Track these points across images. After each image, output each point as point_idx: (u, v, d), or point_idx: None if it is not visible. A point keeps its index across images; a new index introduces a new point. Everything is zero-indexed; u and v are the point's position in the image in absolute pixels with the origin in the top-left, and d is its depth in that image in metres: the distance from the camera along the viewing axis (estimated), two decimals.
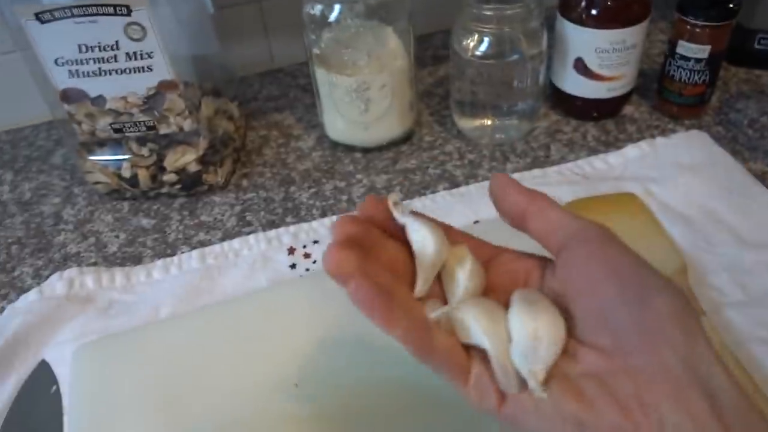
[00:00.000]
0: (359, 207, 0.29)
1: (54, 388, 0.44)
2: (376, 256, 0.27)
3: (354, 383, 0.40)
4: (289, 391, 0.40)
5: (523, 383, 0.26)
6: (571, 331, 0.27)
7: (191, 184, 0.57)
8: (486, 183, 0.55)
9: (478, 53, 0.56)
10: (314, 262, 0.50)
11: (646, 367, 0.24)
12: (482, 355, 0.27)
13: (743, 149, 0.58)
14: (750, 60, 0.68)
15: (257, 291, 0.48)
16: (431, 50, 0.75)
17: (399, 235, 0.29)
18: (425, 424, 0.38)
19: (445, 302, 0.29)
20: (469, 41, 0.56)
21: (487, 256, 0.31)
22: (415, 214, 0.29)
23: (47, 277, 0.50)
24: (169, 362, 0.43)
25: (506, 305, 0.28)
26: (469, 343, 0.27)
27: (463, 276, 0.28)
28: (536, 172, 0.56)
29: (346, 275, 0.26)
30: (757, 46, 0.67)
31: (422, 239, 0.29)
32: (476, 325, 0.27)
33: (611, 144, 0.60)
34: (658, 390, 0.24)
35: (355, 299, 0.26)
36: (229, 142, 0.59)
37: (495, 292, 0.30)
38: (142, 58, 0.49)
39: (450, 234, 0.31)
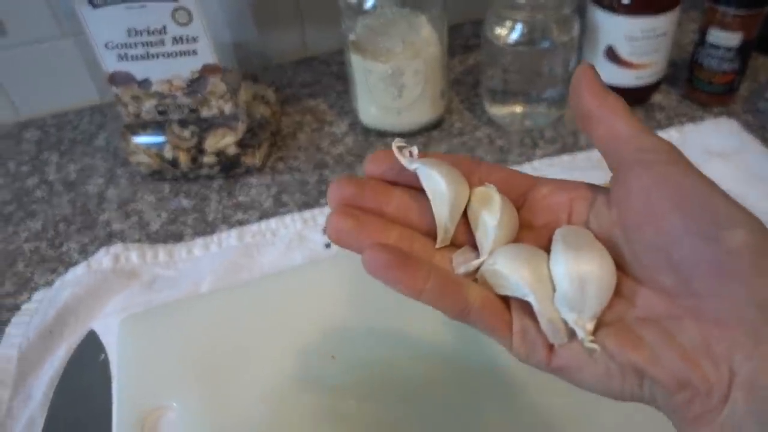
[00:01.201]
0: (365, 167, 0.27)
1: (102, 356, 0.46)
2: (380, 213, 0.25)
3: (388, 354, 0.42)
4: (327, 361, 0.42)
5: (572, 333, 0.24)
6: (627, 269, 0.24)
7: (230, 166, 0.59)
8: (516, 168, 0.56)
9: (510, 41, 0.57)
10: None
11: (715, 312, 0.22)
12: (523, 304, 0.25)
13: None
14: None
15: (294, 268, 0.50)
16: (461, 40, 0.77)
17: (416, 185, 0.26)
18: (459, 394, 0.39)
19: (476, 248, 0.26)
20: (501, 29, 0.57)
21: (522, 189, 0.28)
22: (426, 157, 0.26)
23: (93, 252, 0.52)
24: (211, 334, 0.45)
25: (547, 246, 0.25)
26: (507, 294, 0.25)
27: (492, 222, 0.25)
28: (565, 157, 0.57)
29: (353, 241, 0.24)
30: None
31: (435, 184, 0.25)
32: (515, 276, 0.24)
33: None
34: (729, 338, 0.21)
35: (368, 269, 0.23)
36: (266, 126, 0.61)
37: (533, 231, 0.27)
38: (187, 42, 0.51)
39: (475, 172, 0.27)
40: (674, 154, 0.24)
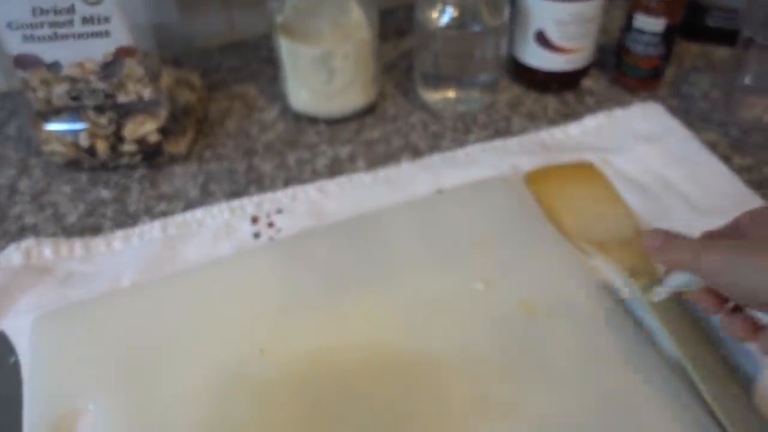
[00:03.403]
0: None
1: (12, 359, 0.43)
2: None
3: (319, 348, 0.41)
4: (255, 357, 0.40)
5: None
6: None
7: (152, 155, 0.56)
8: (449, 153, 0.56)
9: (441, 24, 0.56)
10: (279, 231, 0.50)
11: None
12: None
13: (696, 120, 0.59)
14: (703, 35, 0.70)
15: (221, 259, 0.48)
16: (395, 24, 0.75)
17: None
18: (388, 387, 0.39)
19: None
20: (432, 12, 0.56)
21: None
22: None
23: (4, 248, 0.49)
24: (131, 332, 0.42)
25: None
26: None
27: None
28: (497, 142, 0.57)
29: None
30: (709, 23, 0.69)
31: None
32: None
33: (570, 116, 0.61)
34: None
35: None
36: (190, 112, 0.59)
37: None
38: (98, 23, 0.48)
39: None
40: None
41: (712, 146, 0.56)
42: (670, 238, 0.36)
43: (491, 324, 0.41)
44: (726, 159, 0.54)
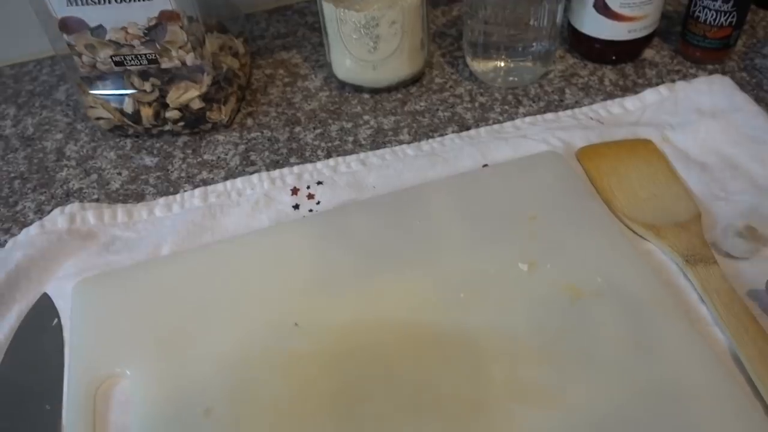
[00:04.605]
0: None
1: (55, 321, 0.44)
2: None
3: (353, 324, 0.40)
4: (289, 329, 0.40)
5: None
6: None
7: (194, 122, 0.56)
8: (497, 126, 0.54)
9: None
10: (318, 203, 0.49)
11: None
12: None
13: (767, 96, 0.55)
14: None
15: (259, 230, 0.47)
16: None
17: None
18: (423, 366, 0.37)
19: None
20: None
21: None
22: None
23: (49, 212, 0.50)
24: (169, 299, 0.42)
25: None
26: None
27: None
28: (549, 116, 0.54)
29: None
30: None
31: None
32: None
33: (629, 89, 0.57)
34: None
35: None
36: (233, 79, 0.58)
37: None
38: None
39: None
40: None
41: None
42: None
43: (533, 306, 0.40)
44: None
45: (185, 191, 0.51)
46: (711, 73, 0.58)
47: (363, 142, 0.54)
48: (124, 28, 0.50)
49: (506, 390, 0.36)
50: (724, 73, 0.57)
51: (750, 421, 0.33)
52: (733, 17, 0.56)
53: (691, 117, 0.52)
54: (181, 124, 0.56)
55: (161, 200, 0.50)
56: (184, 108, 0.55)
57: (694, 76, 0.58)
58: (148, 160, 0.55)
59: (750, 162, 0.48)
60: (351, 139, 0.55)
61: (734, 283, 0.40)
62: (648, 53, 0.61)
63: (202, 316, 0.41)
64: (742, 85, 0.55)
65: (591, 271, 0.41)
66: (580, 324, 0.38)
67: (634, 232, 0.44)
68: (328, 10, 0.55)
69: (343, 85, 0.60)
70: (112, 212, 0.49)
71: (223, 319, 0.41)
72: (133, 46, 0.51)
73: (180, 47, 0.51)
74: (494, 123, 0.55)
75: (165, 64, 0.52)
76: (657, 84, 0.57)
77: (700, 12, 0.57)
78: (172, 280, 0.44)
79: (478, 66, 0.59)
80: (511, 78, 0.59)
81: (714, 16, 0.56)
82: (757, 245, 0.41)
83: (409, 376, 0.37)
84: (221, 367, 0.39)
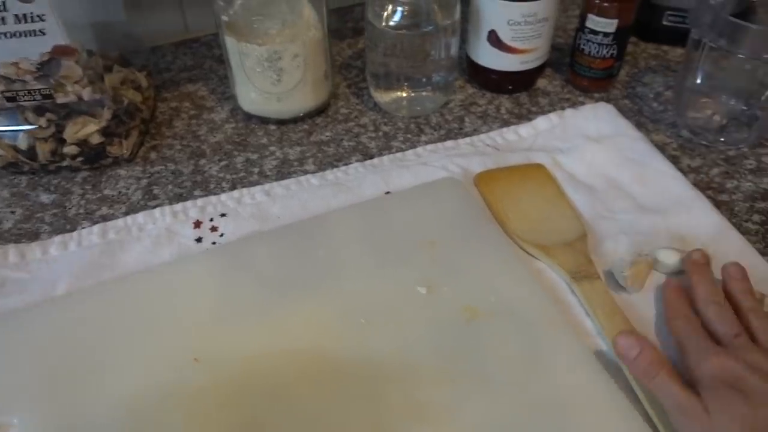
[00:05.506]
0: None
1: None
2: None
3: (254, 356, 0.40)
4: (188, 366, 0.39)
5: None
6: None
7: (94, 157, 0.55)
8: (399, 155, 0.55)
9: (392, 23, 0.56)
10: (221, 235, 0.49)
11: None
12: None
13: (647, 121, 0.59)
14: (658, 36, 0.70)
15: (159, 265, 0.46)
16: (351, 22, 0.75)
17: None
18: (324, 393, 0.38)
19: None
20: (383, 11, 0.56)
21: None
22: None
23: None
24: (62, 342, 0.41)
25: None
26: None
27: None
28: (449, 143, 0.57)
29: None
30: (665, 23, 0.69)
31: None
32: None
33: (524, 116, 0.61)
34: None
35: None
36: (135, 113, 0.57)
37: None
38: (32, 21, 0.46)
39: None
40: None
41: (662, 147, 0.56)
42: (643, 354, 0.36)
43: (431, 328, 0.41)
44: (675, 160, 0.54)
45: (83, 228, 0.50)
46: (597, 101, 0.62)
47: (268, 173, 0.55)
48: (15, 63, 0.48)
49: (404, 411, 0.37)
50: (608, 100, 0.61)
51: (630, 428, 0.36)
52: (614, 49, 0.60)
53: (578, 142, 0.55)
54: (80, 159, 0.54)
55: (57, 238, 0.49)
56: (82, 143, 0.53)
57: (582, 103, 0.62)
58: (45, 198, 0.53)
59: (631, 183, 0.52)
60: (256, 170, 0.55)
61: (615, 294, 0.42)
62: (541, 83, 0.65)
63: (98, 357, 0.40)
64: (625, 112, 0.60)
65: (486, 291, 0.43)
66: (475, 343, 0.40)
67: (527, 252, 0.47)
68: (231, 44, 0.56)
69: (249, 116, 0.61)
70: (3, 252, 0.47)
71: (121, 359, 0.40)
72: (25, 81, 0.49)
73: (76, 82, 0.50)
74: (397, 151, 0.56)
75: (61, 99, 0.51)
76: (549, 111, 0.60)
77: (584, 45, 0.61)
78: (66, 321, 0.42)
79: (381, 97, 0.61)
80: (413, 107, 0.61)
81: (597, 49, 0.60)
82: (641, 280, 0.44)
83: (310, 406, 0.37)
84: (119, 411, 0.37)
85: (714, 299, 0.39)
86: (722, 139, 0.56)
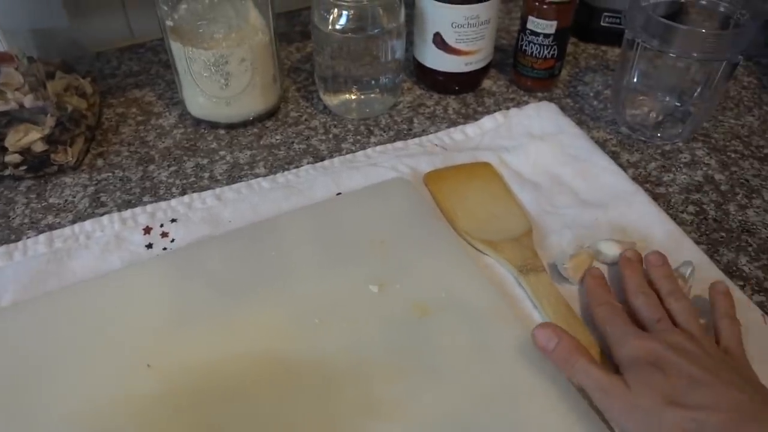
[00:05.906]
0: None
1: None
2: None
3: (206, 361, 0.40)
4: (141, 373, 0.39)
5: None
6: None
7: (38, 165, 0.54)
8: (349, 156, 0.56)
9: (338, 27, 0.56)
10: (172, 240, 0.48)
11: None
12: None
13: (588, 119, 0.62)
14: (597, 37, 0.73)
15: (109, 273, 0.46)
16: (299, 26, 0.75)
17: None
18: (279, 394, 0.38)
19: None
20: (329, 15, 0.56)
21: None
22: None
23: None
24: (10, 354, 0.40)
25: None
26: None
27: None
28: (398, 144, 0.58)
29: None
30: (603, 24, 0.72)
31: None
32: None
33: (470, 116, 0.62)
34: None
35: None
36: (80, 119, 0.56)
37: None
38: None
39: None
40: None
41: (602, 143, 0.58)
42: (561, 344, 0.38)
43: (383, 326, 0.42)
44: (615, 155, 0.57)
45: (28, 238, 0.49)
46: (541, 100, 0.64)
47: (219, 178, 0.55)
48: None
49: (358, 408, 0.37)
50: (551, 100, 0.64)
51: (576, 415, 0.37)
52: (554, 50, 0.62)
53: (523, 140, 0.57)
54: (23, 168, 0.53)
55: (1, 248, 0.48)
56: (25, 151, 0.52)
57: (527, 103, 0.63)
58: None
59: (573, 179, 0.54)
60: (207, 175, 0.55)
61: (559, 286, 0.44)
62: (486, 83, 0.67)
63: (47, 368, 0.40)
64: (567, 110, 0.62)
65: (436, 288, 0.44)
66: (426, 338, 0.41)
67: (475, 248, 0.48)
68: (177, 49, 0.55)
69: (198, 121, 0.61)
70: None
71: (71, 369, 0.39)
72: None
73: (16, 89, 0.49)
74: (347, 153, 0.57)
75: (1, 106, 0.50)
76: (494, 111, 0.62)
77: (526, 46, 0.63)
78: (12, 332, 0.41)
79: (330, 99, 0.62)
80: (362, 110, 0.62)
81: (538, 50, 0.62)
82: (582, 271, 0.45)
83: (265, 407, 0.37)
84: (70, 423, 0.37)
85: (641, 290, 0.42)
86: (659, 135, 0.59)
